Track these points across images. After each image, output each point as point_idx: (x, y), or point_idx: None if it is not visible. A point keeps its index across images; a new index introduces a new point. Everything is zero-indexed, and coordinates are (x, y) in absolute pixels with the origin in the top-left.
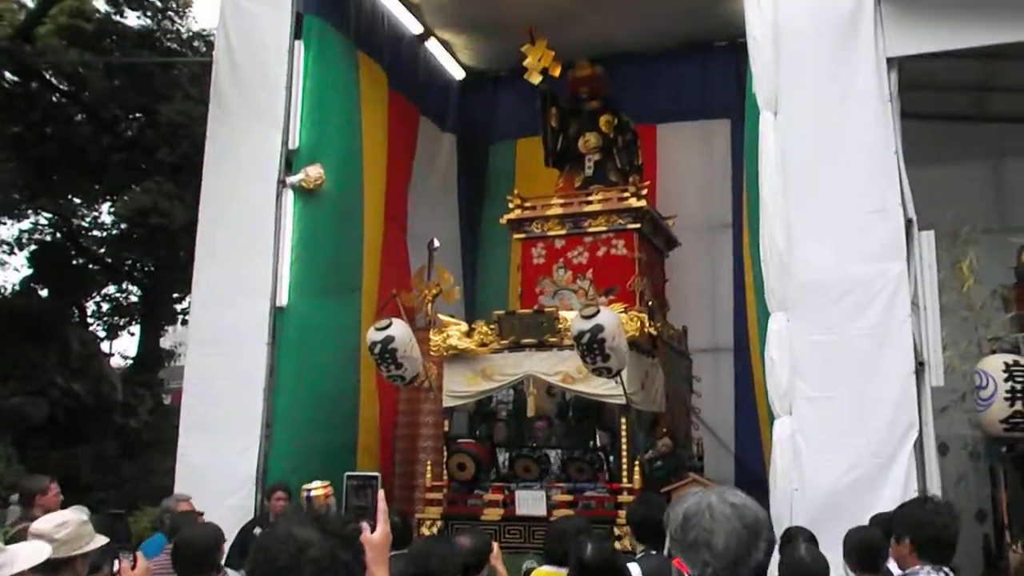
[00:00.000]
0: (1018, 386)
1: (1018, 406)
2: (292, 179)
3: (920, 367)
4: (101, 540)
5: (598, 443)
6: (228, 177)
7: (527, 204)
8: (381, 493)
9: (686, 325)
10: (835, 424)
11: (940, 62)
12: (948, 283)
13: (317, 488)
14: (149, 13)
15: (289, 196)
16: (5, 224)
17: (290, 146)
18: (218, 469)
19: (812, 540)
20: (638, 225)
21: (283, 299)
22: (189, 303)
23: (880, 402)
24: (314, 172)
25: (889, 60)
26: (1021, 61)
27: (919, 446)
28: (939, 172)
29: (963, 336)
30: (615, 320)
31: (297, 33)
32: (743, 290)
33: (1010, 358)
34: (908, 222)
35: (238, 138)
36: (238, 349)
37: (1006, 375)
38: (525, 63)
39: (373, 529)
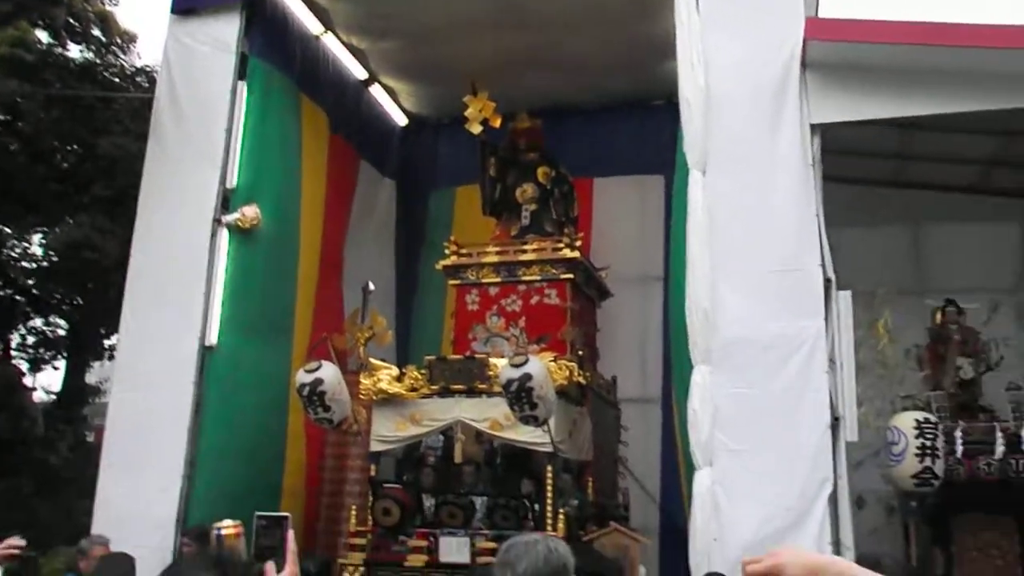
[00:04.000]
0: (928, 443)
1: (928, 462)
2: (228, 218)
3: (836, 422)
4: None
5: (524, 491)
6: (163, 214)
7: (463, 251)
8: (291, 534)
9: (616, 375)
10: (753, 476)
11: (863, 129)
12: (864, 342)
13: (228, 527)
14: (92, 47)
15: (224, 235)
16: None
17: (228, 185)
18: (138, 510)
19: None
20: (571, 275)
21: (212, 338)
22: (117, 339)
23: (797, 456)
24: (250, 212)
25: (813, 126)
26: (936, 132)
27: (834, 499)
28: (859, 235)
29: (877, 393)
30: (544, 369)
31: (241, 74)
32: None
33: (921, 415)
34: (827, 281)
35: (175, 175)
36: (164, 387)
37: (917, 432)
38: (466, 113)
39: (280, 569)
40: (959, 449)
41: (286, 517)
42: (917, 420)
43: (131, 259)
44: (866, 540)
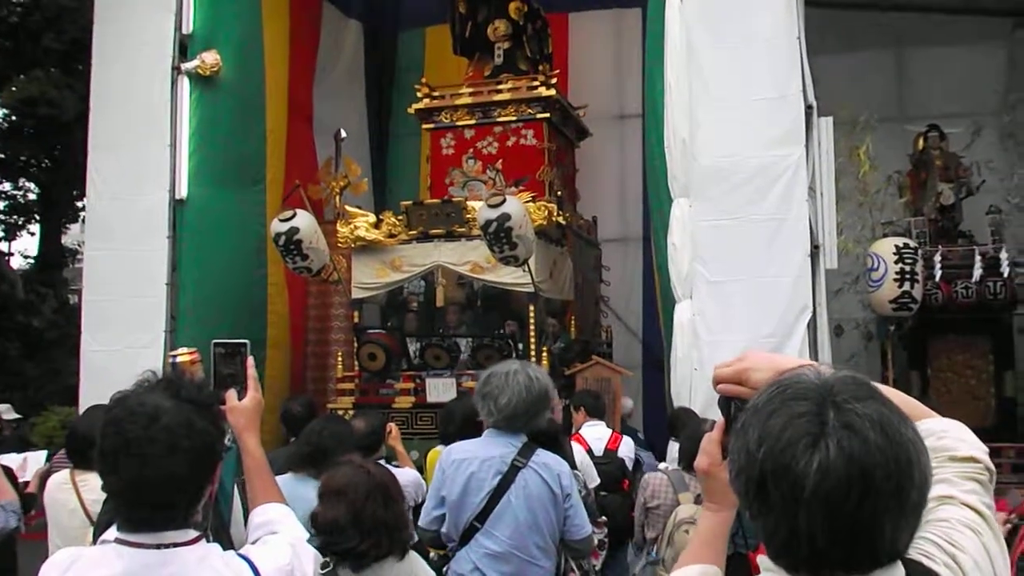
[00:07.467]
0: (907, 267)
1: (906, 287)
2: (187, 65)
3: (816, 250)
4: None
5: (507, 331)
6: (119, 64)
7: (436, 93)
8: (251, 360)
9: (596, 215)
10: (733, 307)
11: None
12: (845, 169)
13: (183, 354)
14: None
15: (185, 84)
16: None
17: (184, 31)
18: (122, 366)
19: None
20: (548, 115)
21: (182, 191)
22: (86, 199)
23: (776, 284)
24: (210, 58)
25: None
26: None
27: (812, 326)
28: (841, 60)
29: (858, 221)
30: (521, 209)
31: None
32: None
33: (900, 241)
34: (808, 108)
35: (128, 23)
36: (138, 243)
37: (896, 257)
38: None
39: (241, 397)
40: (938, 273)
41: (244, 344)
42: (897, 246)
43: (91, 114)
44: (844, 367)
